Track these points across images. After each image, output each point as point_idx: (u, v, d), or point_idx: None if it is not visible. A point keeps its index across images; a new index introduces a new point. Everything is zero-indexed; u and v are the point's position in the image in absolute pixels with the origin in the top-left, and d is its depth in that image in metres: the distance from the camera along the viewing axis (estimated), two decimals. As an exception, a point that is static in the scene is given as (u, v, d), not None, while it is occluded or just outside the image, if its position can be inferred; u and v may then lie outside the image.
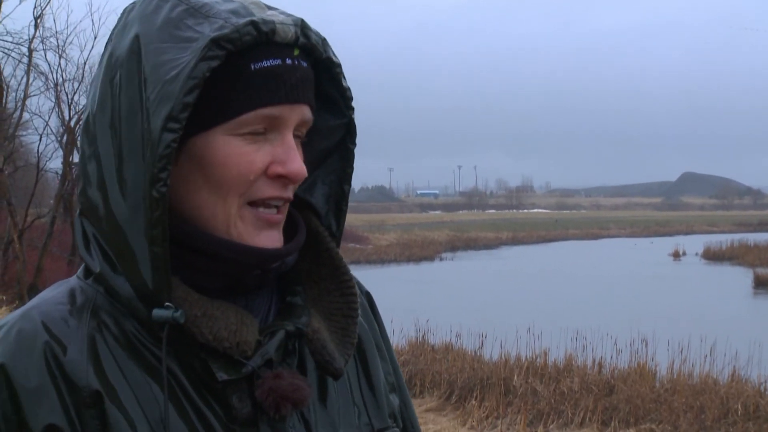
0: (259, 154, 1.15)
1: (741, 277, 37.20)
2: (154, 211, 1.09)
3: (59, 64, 22.04)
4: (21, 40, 20.79)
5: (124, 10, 1.20)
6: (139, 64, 1.11)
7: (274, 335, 1.18)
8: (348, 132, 1.30)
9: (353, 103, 1.29)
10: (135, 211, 1.11)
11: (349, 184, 1.33)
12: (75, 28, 30.50)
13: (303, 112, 1.18)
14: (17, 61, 21.41)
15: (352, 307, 1.27)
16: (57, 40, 21.43)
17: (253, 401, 1.16)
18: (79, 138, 1.24)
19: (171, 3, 1.15)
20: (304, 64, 1.18)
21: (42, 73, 21.92)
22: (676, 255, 52.62)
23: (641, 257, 49.87)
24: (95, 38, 22.00)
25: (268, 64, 1.13)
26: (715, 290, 31.17)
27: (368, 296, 1.45)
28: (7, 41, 20.65)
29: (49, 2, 20.82)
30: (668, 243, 60.21)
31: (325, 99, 1.26)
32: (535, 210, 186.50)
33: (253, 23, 1.11)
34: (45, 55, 21.79)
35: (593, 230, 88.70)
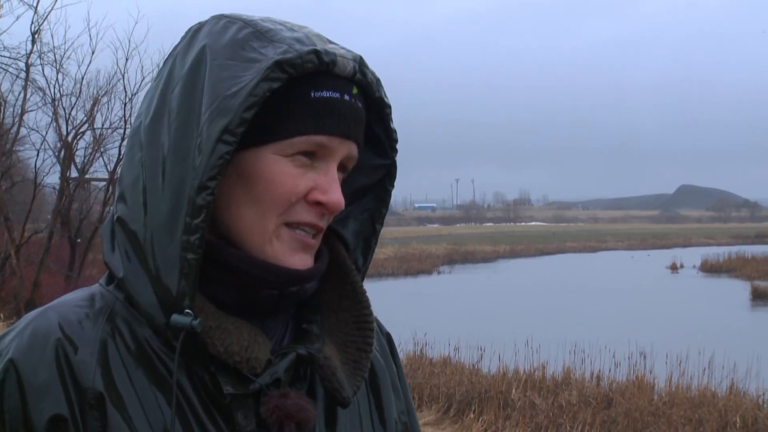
0: (303, 179, 1.17)
1: (739, 289, 37.26)
2: (195, 218, 1.11)
3: (57, 79, 22.12)
4: (18, 55, 20.84)
5: (189, 29, 1.24)
6: (203, 75, 1.15)
7: (285, 356, 1.19)
8: (388, 173, 1.33)
9: (398, 146, 1.32)
10: (172, 217, 1.13)
11: (382, 224, 1.35)
12: (73, 43, 30.36)
13: (351, 148, 1.21)
14: (14, 76, 21.44)
15: (367, 342, 1.28)
16: (54, 54, 21.50)
17: (258, 419, 1.16)
18: (125, 144, 1.26)
19: (238, 25, 1.19)
20: (359, 104, 1.21)
21: (39, 88, 21.96)
22: (674, 267, 52.64)
23: (639, 270, 49.95)
24: (93, 53, 22.07)
25: (328, 95, 1.17)
26: (713, 303, 31.15)
27: (388, 337, 1.47)
28: (4, 56, 20.70)
29: (46, 17, 20.89)
30: (666, 255, 60.29)
31: (371, 138, 1.29)
32: (533, 223, 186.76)
33: (316, 52, 1.14)
34: (42, 70, 21.83)
35: (591, 243, 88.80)
